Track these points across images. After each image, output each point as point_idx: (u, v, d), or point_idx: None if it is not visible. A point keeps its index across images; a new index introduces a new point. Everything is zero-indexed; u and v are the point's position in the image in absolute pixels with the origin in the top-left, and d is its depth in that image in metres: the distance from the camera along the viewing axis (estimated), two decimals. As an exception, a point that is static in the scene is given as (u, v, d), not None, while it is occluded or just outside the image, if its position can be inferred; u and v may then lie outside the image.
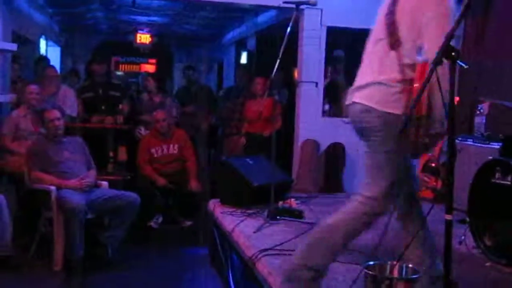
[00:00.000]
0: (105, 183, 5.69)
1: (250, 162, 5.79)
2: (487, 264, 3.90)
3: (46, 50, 11.39)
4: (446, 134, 2.46)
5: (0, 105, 7.07)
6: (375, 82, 2.96)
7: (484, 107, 5.40)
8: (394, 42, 2.94)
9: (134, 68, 15.38)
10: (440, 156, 5.09)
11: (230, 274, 4.53)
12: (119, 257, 5.30)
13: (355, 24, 7.14)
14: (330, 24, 7.12)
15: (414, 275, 2.74)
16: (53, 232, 5.11)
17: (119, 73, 14.93)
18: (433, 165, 5.22)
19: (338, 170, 7.16)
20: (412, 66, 2.82)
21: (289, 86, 8.17)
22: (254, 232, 4.51)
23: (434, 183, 5.23)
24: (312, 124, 7.20)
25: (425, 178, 5.26)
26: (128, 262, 5.34)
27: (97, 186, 5.53)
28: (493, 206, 4.03)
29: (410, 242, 3.06)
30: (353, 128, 3.20)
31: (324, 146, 7.20)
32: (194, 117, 8.29)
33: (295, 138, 7.31)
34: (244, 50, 11.79)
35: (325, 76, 7.51)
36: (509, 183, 3.90)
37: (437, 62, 2.20)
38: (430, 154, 5.05)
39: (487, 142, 5.09)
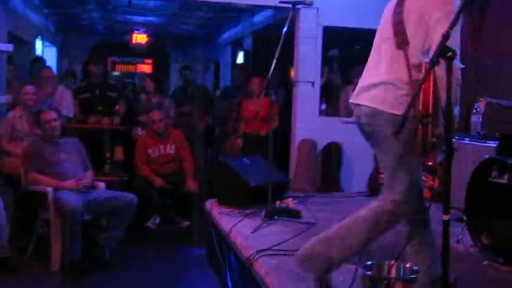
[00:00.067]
0: (102, 184, 5.68)
1: (247, 162, 5.79)
2: (485, 262, 3.90)
3: (43, 51, 11.38)
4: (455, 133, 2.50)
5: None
6: (383, 82, 2.95)
7: (481, 105, 5.39)
8: (401, 41, 2.95)
9: (130, 68, 15.38)
10: (437, 155, 5.10)
11: (228, 275, 4.53)
12: (117, 258, 5.30)
13: (351, 23, 7.18)
14: (326, 24, 7.12)
15: (412, 275, 2.75)
16: (50, 233, 5.10)
17: (115, 73, 14.93)
18: (430, 163, 5.22)
19: (335, 169, 7.16)
20: (419, 67, 2.82)
21: (286, 85, 8.17)
22: (252, 233, 4.51)
23: (431, 182, 5.23)
24: (309, 124, 7.20)
25: (422, 177, 5.26)
26: (125, 263, 5.34)
27: (94, 187, 5.52)
28: (490, 204, 4.03)
29: (407, 243, 3.08)
30: (360, 131, 3.21)
31: (321, 145, 7.19)
32: (191, 117, 8.29)
33: (292, 138, 7.31)
34: (241, 50, 11.79)
35: (321, 76, 7.51)
36: (506, 181, 3.90)
37: (434, 62, 2.20)
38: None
39: (484, 140, 5.09)
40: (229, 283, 4.46)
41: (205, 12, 10.25)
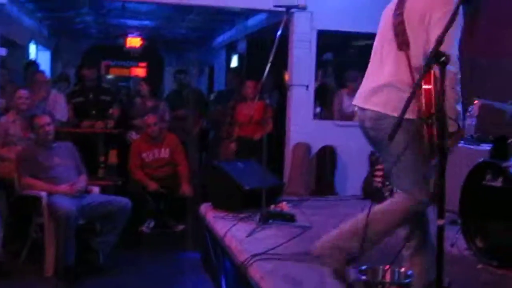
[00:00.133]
0: (96, 189, 5.66)
1: (241, 166, 5.79)
2: (479, 266, 3.91)
3: (36, 54, 11.36)
4: (462, 133, 2.53)
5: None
6: (386, 84, 2.96)
7: (474, 108, 5.41)
8: (402, 42, 2.96)
9: (125, 72, 15.37)
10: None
11: (223, 279, 4.52)
12: (111, 262, 5.28)
13: (345, 27, 7.19)
14: (320, 28, 7.13)
15: (406, 279, 2.75)
16: (44, 238, 5.08)
17: (109, 76, 14.91)
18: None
19: (330, 172, 7.16)
20: (421, 69, 2.82)
21: (280, 89, 8.18)
22: (246, 237, 4.50)
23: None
24: (303, 127, 7.20)
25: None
26: (119, 267, 5.32)
27: (88, 191, 5.50)
28: (484, 208, 4.04)
29: (405, 245, 3.09)
30: (364, 135, 3.21)
31: (315, 149, 7.19)
32: (185, 121, 8.28)
33: (286, 141, 7.31)
34: (235, 54, 11.79)
35: (316, 79, 7.52)
36: (499, 185, 3.91)
37: (427, 67, 2.21)
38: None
39: (478, 143, 5.11)
40: (224, 288, 4.45)
41: (199, 15, 10.24)
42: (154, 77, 13.28)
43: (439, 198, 2.16)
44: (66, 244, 4.92)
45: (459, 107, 2.90)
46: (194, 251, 5.72)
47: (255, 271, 3.73)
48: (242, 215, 5.15)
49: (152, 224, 6.59)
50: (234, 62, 11.81)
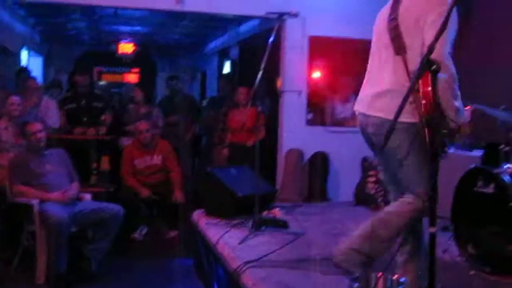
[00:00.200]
0: (88, 196, 5.65)
1: (234, 172, 5.79)
2: (471, 272, 3.91)
3: (28, 61, 11.32)
4: (465, 128, 2.57)
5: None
6: (388, 90, 2.98)
7: (466, 113, 5.42)
8: (398, 47, 2.97)
9: (117, 78, 15.33)
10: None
11: (215, 286, 4.51)
12: (103, 270, 5.26)
13: (337, 33, 7.21)
14: (312, 34, 7.15)
15: (399, 286, 2.75)
16: (35, 245, 5.06)
17: (102, 82, 14.87)
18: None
19: (322, 179, 7.17)
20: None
21: (272, 95, 8.18)
22: (239, 243, 4.49)
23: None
24: (296, 133, 7.22)
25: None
26: (112, 274, 5.30)
27: (80, 198, 5.48)
28: (476, 214, 4.05)
29: (398, 250, 3.10)
30: (366, 140, 3.22)
31: (308, 155, 7.20)
32: (178, 128, 8.27)
33: (279, 147, 7.31)
34: (227, 60, 11.79)
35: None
36: (491, 191, 3.92)
37: (418, 75, 2.22)
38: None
39: (469, 149, 5.12)
40: (217, 295, 4.45)
41: (191, 21, 10.25)
42: (146, 83, 13.25)
43: (430, 206, 2.17)
44: (58, 252, 4.91)
45: (458, 103, 2.93)
46: (187, 258, 5.70)
47: (248, 278, 3.72)
48: (234, 222, 5.15)
49: (144, 230, 6.58)
50: (227, 68, 11.81)
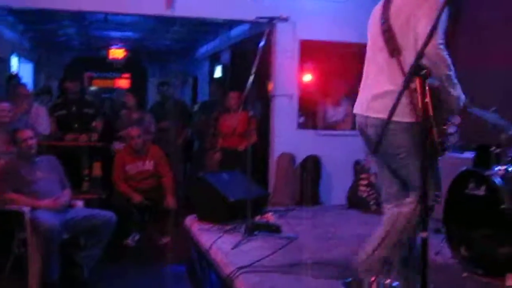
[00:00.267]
0: (80, 203, 5.62)
1: (226, 177, 5.78)
2: (464, 274, 3.92)
3: (18, 67, 11.28)
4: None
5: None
6: (387, 91, 2.99)
7: (457, 116, 5.44)
8: (393, 50, 3.00)
9: (108, 83, 15.30)
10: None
11: (209, 292, 4.51)
12: (96, 277, 5.23)
13: (328, 37, 7.23)
14: (303, 37, 7.16)
15: (391, 290, 2.75)
16: (27, 253, 5.03)
17: (92, 88, 14.83)
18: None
19: (314, 182, 7.17)
20: None
21: (264, 99, 8.19)
22: (232, 249, 4.49)
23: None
24: (287, 137, 7.22)
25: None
26: (104, 281, 5.28)
27: (71, 205, 5.45)
28: (468, 216, 4.06)
29: (391, 256, 3.10)
30: (365, 142, 3.24)
31: (299, 158, 7.20)
32: (169, 133, 8.26)
33: (271, 152, 7.31)
34: (218, 64, 11.78)
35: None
36: (482, 193, 3.93)
37: (408, 81, 2.22)
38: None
39: (461, 152, 5.13)
40: (210, 301, 4.43)
41: (182, 26, 10.24)
42: (137, 89, 13.23)
43: (422, 211, 2.17)
44: (49, 259, 4.88)
45: (457, 92, 3.02)
46: (180, 264, 5.68)
47: (241, 284, 3.72)
48: (227, 227, 5.14)
49: (137, 237, 6.55)
50: (218, 72, 11.81)
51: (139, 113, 7.65)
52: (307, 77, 7.48)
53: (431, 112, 2.70)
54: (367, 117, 3.15)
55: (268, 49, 6.74)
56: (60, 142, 7.11)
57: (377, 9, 3.21)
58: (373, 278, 2.71)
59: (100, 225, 5.24)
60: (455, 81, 2.99)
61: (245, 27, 9.01)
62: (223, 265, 4.15)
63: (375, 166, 3.45)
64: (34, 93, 8.31)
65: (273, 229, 5.09)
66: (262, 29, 5.18)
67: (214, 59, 12.12)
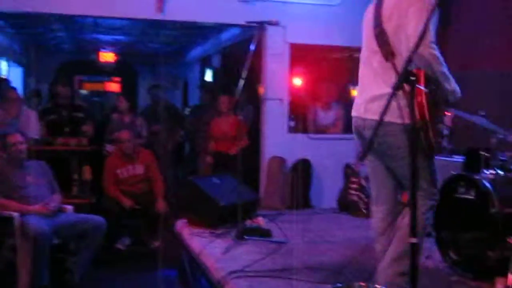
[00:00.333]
0: (70, 207, 5.59)
1: (217, 181, 5.78)
2: (453, 278, 3.93)
3: (8, 71, 11.23)
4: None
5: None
6: (383, 94, 3.01)
7: (447, 120, 5.46)
8: (387, 53, 3.02)
9: (99, 86, 15.23)
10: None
11: (199, 296, 4.50)
12: (86, 281, 5.21)
13: (318, 41, 7.25)
14: (293, 41, 7.17)
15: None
16: (17, 258, 5.00)
17: (83, 91, 14.77)
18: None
19: (305, 186, 7.17)
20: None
21: (254, 103, 8.19)
22: (223, 253, 4.49)
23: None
24: (278, 141, 7.22)
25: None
26: (95, 286, 5.27)
27: (62, 210, 5.43)
28: (458, 220, 4.07)
29: (379, 261, 3.10)
30: (362, 143, 3.25)
31: (290, 162, 7.20)
32: (160, 136, 8.25)
33: (261, 155, 7.31)
34: (209, 68, 11.78)
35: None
36: (472, 197, 3.95)
37: (397, 87, 2.23)
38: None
39: (450, 155, 5.15)
40: (201, 305, 4.42)
41: (172, 30, 10.23)
42: (128, 92, 13.19)
43: (411, 217, 2.17)
44: (40, 265, 4.86)
45: (451, 85, 3.09)
46: (171, 269, 5.66)
47: (232, 289, 3.71)
48: (218, 231, 5.14)
49: (127, 241, 6.54)
50: (208, 76, 11.80)
51: (131, 117, 7.63)
52: (298, 81, 7.50)
53: (426, 114, 2.77)
54: (365, 119, 3.17)
55: (258, 53, 6.74)
56: (51, 146, 7.08)
57: (369, 12, 3.22)
58: (362, 283, 2.72)
59: (91, 230, 5.22)
60: (449, 75, 3.04)
61: (235, 31, 9.01)
62: (214, 269, 4.14)
63: (368, 167, 3.44)
64: (24, 97, 8.27)
65: (263, 234, 5.09)
66: (253, 33, 5.18)
67: (205, 62, 12.12)
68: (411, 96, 2.22)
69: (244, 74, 4.84)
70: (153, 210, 6.51)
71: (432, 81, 2.99)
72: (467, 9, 6.40)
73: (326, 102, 7.41)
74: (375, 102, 3.10)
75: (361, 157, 3.39)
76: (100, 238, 5.29)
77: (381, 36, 3.06)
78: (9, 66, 11.34)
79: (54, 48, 13.00)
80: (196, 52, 12.56)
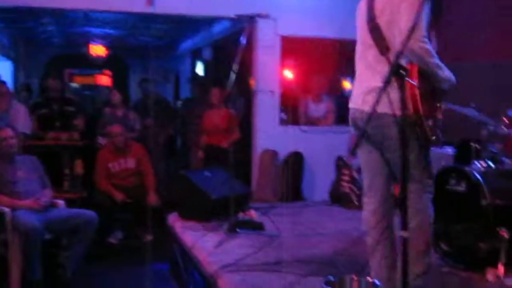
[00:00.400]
0: (61, 202, 5.57)
1: (208, 174, 5.77)
2: (445, 269, 3.95)
3: (-3, 65, 11.17)
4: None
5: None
6: (380, 86, 3.00)
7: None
8: (382, 48, 3.03)
9: (89, 80, 15.15)
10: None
11: (192, 290, 4.50)
12: (79, 276, 5.21)
13: (309, 32, 7.24)
14: (284, 33, 7.16)
15: (373, 288, 2.76)
16: (9, 254, 4.99)
17: (74, 85, 14.69)
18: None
19: (297, 178, 7.18)
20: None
21: (246, 96, 8.18)
22: (215, 247, 4.49)
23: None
24: (270, 133, 7.22)
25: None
26: (87, 281, 5.26)
27: (53, 205, 5.42)
28: (449, 212, 4.09)
29: (371, 255, 3.11)
30: (360, 135, 3.26)
31: (282, 155, 7.21)
32: (152, 130, 8.23)
33: (253, 148, 7.31)
34: (200, 60, 11.75)
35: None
36: (463, 189, 3.97)
37: (388, 81, 2.24)
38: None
39: (442, 147, 5.17)
40: (194, 299, 4.43)
41: (163, 23, 10.19)
42: (119, 85, 13.15)
43: (402, 210, 2.18)
44: (31, 260, 4.85)
45: (445, 73, 3.13)
46: (163, 262, 5.67)
47: (225, 282, 3.72)
48: (210, 225, 5.14)
49: (119, 235, 6.54)
50: (200, 68, 11.77)
51: (124, 111, 7.61)
52: (289, 73, 7.49)
53: (420, 108, 2.79)
54: (362, 111, 3.18)
55: (249, 46, 6.73)
56: (42, 141, 7.05)
57: (362, 5, 3.22)
58: (354, 277, 2.72)
59: (83, 224, 5.21)
60: (440, 64, 3.06)
61: (226, 23, 8.99)
62: (206, 263, 4.14)
63: (363, 157, 3.42)
64: (13, 91, 8.22)
65: (256, 226, 5.09)
66: (244, 26, 5.17)
67: (196, 56, 12.09)
68: (401, 89, 2.22)
69: (235, 67, 4.83)
70: (145, 203, 6.50)
71: (427, 74, 2.99)
72: (459, 0, 6.41)
73: (317, 95, 7.40)
74: (371, 94, 3.11)
75: (353, 150, 3.39)
76: (92, 233, 5.29)
77: (375, 30, 3.07)
78: (-1, 60, 11.28)
79: (44, 42, 12.93)
80: (187, 45, 12.52)
